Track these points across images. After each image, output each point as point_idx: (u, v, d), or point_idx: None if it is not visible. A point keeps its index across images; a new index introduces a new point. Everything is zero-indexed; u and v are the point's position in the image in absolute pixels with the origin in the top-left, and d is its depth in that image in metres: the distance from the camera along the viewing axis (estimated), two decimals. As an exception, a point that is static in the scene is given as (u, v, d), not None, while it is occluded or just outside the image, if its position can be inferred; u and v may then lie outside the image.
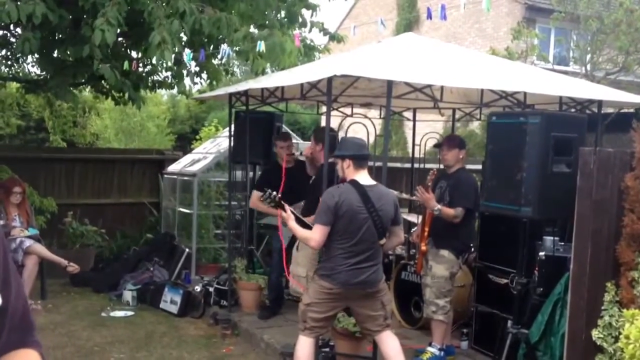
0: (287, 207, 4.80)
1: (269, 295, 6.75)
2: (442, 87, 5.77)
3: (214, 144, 9.73)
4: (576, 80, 7.11)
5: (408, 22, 18.44)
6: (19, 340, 1.18)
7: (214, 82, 8.16)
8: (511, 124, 4.08)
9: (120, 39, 7.47)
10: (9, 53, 8.95)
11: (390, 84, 4.87)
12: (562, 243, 4.85)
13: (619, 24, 9.87)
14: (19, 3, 5.63)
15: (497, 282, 5.45)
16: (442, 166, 5.80)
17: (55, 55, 7.35)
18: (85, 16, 6.26)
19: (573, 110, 5.95)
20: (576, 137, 4.02)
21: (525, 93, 5.53)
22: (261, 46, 5.26)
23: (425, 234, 5.48)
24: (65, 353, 5.67)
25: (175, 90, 9.59)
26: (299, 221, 4.75)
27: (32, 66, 10.08)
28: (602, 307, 3.76)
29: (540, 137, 3.90)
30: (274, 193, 5.61)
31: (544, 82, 5.78)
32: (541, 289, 4.49)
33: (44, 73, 9.05)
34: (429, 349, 5.38)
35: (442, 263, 5.35)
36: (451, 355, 5.54)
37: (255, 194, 6.54)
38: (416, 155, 8.11)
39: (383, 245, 4.56)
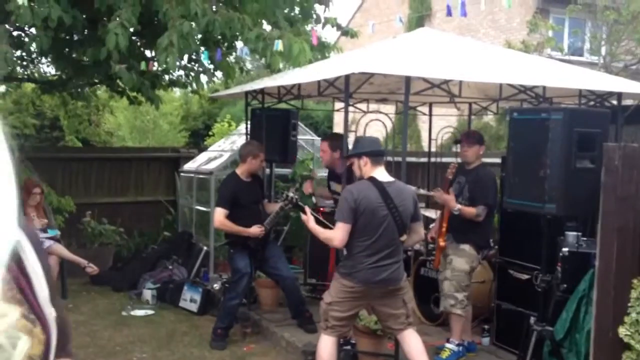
0: (307, 209, 4.80)
1: (222, 323, 6.00)
2: (460, 83, 5.73)
3: (229, 142, 9.74)
4: (595, 72, 7.05)
5: (420, 15, 18.33)
6: (60, 350, 1.21)
7: (229, 80, 8.16)
8: (533, 120, 4.04)
9: (134, 37, 7.48)
10: (24, 54, 9.00)
11: (408, 80, 4.85)
12: (585, 238, 4.81)
13: (638, 15, 9.75)
14: (33, 4, 5.63)
15: (518, 277, 5.43)
16: (459, 159, 5.75)
17: (72, 56, 7.37)
18: (104, 18, 6.26)
19: (592, 103, 5.90)
20: (600, 133, 3.97)
21: (544, 87, 5.48)
22: (278, 45, 5.25)
23: (444, 229, 5.45)
24: (88, 353, 5.70)
25: (189, 89, 9.59)
26: (319, 222, 4.75)
27: (47, 66, 10.14)
28: (629, 304, 3.73)
29: (564, 133, 3.86)
30: (290, 195, 5.66)
31: (563, 75, 5.73)
32: (565, 286, 4.46)
33: (58, 73, 9.10)
34: (448, 345, 5.34)
35: (463, 256, 5.31)
36: (472, 352, 5.53)
37: (221, 211, 5.94)
38: (432, 149, 8.09)
39: (403, 242, 4.55)
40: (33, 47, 6.35)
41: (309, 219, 4.68)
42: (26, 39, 8.35)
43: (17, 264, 1.10)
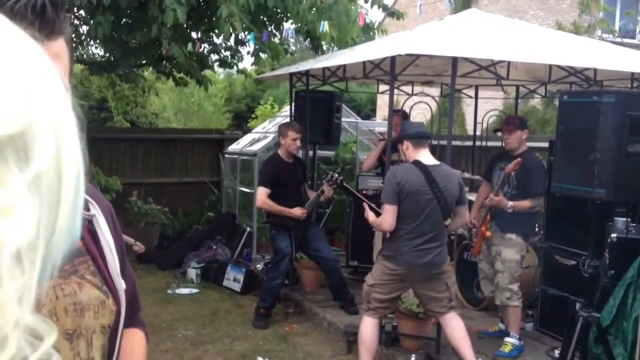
0: (365, 205, 4.78)
1: (264, 302, 6.08)
2: (508, 65, 5.63)
3: (273, 124, 9.78)
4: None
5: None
6: (129, 320, 1.24)
7: (275, 62, 8.18)
8: (584, 103, 3.95)
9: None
10: (73, 35, 9.17)
11: (455, 61, 4.78)
12: (634, 224, 4.70)
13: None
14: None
15: (565, 263, 5.34)
16: (503, 144, 5.60)
17: (122, 38, 7.47)
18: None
19: (644, 86, 5.75)
20: (653, 116, 3.86)
21: (595, 70, 5.35)
22: (324, 27, 5.24)
23: (488, 217, 5.28)
24: (134, 329, 5.83)
25: (234, 70, 9.65)
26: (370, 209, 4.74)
27: (96, 48, 10.31)
28: (680, 292, 3.64)
29: (615, 116, 3.77)
30: (336, 175, 5.68)
31: (615, 57, 5.58)
32: (612, 272, 4.37)
33: (107, 55, 9.26)
34: (508, 340, 5.16)
35: (511, 246, 5.17)
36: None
37: (263, 191, 6.00)
38: (477, 133, 7.99)
39: (448, 225, 4.52)
40: (93, 31, 6.42)
41: (369, 214, 4.65)
42: (75, 21, 8.52)
43: (91, 236, 1.14)
